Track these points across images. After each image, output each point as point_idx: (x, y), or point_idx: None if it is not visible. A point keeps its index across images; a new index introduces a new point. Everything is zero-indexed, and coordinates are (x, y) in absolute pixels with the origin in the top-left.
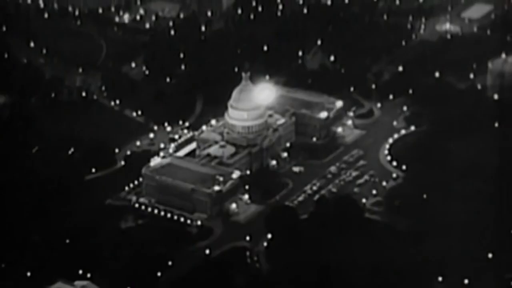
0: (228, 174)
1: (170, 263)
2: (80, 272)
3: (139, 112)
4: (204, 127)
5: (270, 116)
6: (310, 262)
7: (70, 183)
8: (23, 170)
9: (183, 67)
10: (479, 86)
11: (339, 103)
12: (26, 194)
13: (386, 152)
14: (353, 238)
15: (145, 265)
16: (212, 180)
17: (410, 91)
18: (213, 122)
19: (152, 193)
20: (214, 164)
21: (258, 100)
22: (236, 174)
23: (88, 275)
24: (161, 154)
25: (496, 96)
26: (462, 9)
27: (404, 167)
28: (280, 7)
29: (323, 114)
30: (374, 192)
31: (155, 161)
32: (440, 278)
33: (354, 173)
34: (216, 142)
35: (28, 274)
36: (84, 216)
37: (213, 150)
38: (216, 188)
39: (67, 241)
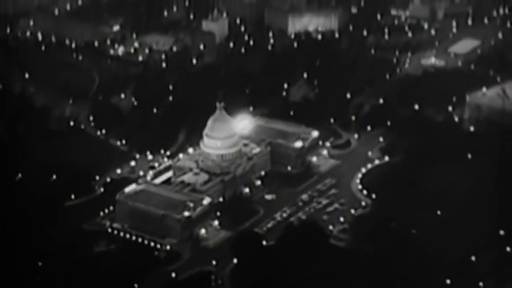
0: (199, 201)
1: (136, 286)
2: None
3: (123, 141)
4: (181, 155)
5: (246, 145)
6: (270, 285)
7: (48, 209)
8: (5, 196)
9: (170, 98)
10: (456, 119)
11: (315, 133)
12: (4, 218)
13: (358, 181)
14: (315, 263)
15: (111, 287)
16: (183, 206)
17: (388, 123)
18: (190, 150)
19: (125, 219)
20: (186, 191)
21: (235, 130)
22: (206, 201)
23: None
24: (139, 181)
25: (472, 128)
26: (450, 44)
27: (373, 195)
28: (272, 41)
29: (298, 144)
30: (342, 219)
31: (129, 188)
32: None
33: (325, 201)
34: (191, 170)
35: None
36: (59, 240)
37: (187, 177)
38: (186, 213)
39: (40, 263)
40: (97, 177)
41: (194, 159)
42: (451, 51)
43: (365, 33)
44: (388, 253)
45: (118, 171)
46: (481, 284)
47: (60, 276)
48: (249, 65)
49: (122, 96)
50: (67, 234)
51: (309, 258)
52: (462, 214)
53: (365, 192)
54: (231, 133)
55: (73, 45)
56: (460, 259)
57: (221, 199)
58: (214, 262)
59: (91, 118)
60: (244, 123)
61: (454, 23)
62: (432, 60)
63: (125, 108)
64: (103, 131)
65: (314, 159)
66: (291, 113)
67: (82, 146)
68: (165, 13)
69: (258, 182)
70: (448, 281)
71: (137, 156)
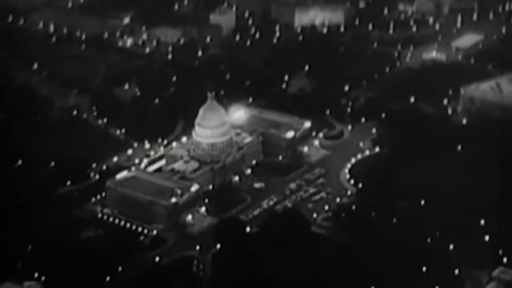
0: (186, 188)
1: (119, 269)
2: (36, 275)
3: (123, 131)
4: (174, 144)
5: (238, 134)
6: (251, 271)
7: (43, 195)
8: (1, 183)
9: (172, 89)
10: (449, 112)
11: (307, 124)
12: None
13: (347, 171)
14: (296, 250)
15: (95, 270)
16: (170, 193)
17: (383, 115)
18: (183, 139)
19: (115, 204)
20: (175, 179)
21: (226, 119)
22: (194, 188)
23: (42, 278)
24: (132, 169)
25: (464, 121)
26: (453, 39)
27: (359, 185)
28: (278, 34)
29: (290, 134)
30: (326, 208)
31: (120, 175)
32: None
33: (312, 190)
34: (182, 158)
35: None
36: (50, 225)
37: (178, 165)
38: (173, 200)
39: (29, 247)
40: (94, 165)
41: (186, 148)
42: (453, 46)
43: (370, 27)
44: (366, 242)
45: (115, 159)
46: (456, 271)
47: (45, 260)
48: (253, 58)
49: (126, 87)
50: (58, 219)
51: (290, 245)
52: (445, 205)
53: (352, 182)
54: (222, 122)
55: (83, 38)
56: (438, 248)
57: (210, 187)
58: (197, 248)
59: (93, 108)
60: (238, 114)
61: (459, 18)
62: (433, 54)
63: (127, 98)
64: (104, 120)
65: (305, 149)
66: (288, 104)
67: (82, 135)
68: (176, 7)
69: (248, 171)
70: (424, 269)
71: (135, 145)
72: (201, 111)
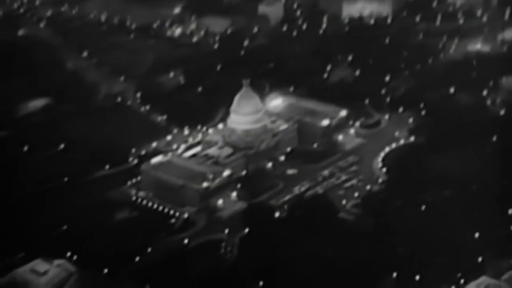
0: (219, 173)
1: (149, 250)
2: (68, 254)
3: (164, 117)
4: (210, 130)
5: (273, 122)
6: (276, 255)
7: (81, 178)
8: (43, 165)
9: (216, 78)
10: (488, 102)
11: (343, 113)
12: (38, 187)
13: (380, 159)
14: (321, 236)
15: (125, 250)
16: (202, 177)
17: (421, 105)
18: (220, 126)
19: (149, 188)
20: (209, 164)
21: (261, 106)
22: (226, 173)
23: (74, 257)
24: (169, 154)
25: (502, 112)
26: (499, 31)
27: (390, 173)
28: (324, 25)
29: (325, 122)
30: (356, 195)
31: (155, 159)
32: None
33: (344, 177)
34: (216, 144)
35: (22, 254)
36: (86, 206)
37: (212, 151)
38: (205, 184)
39: (64, 227)
40: (133, 150)
41: (221, 134)
42: (499, 38)
43: (418, 19)
44: (391, 229)
45: (154, 144)
46: (479, 259)
47: (78, 240)
48: (298, 48)
49: (171, 75)
50: (93, 201)
51: (316, 230)
52: (474, 195)
53: (384, 170)
54: (256, 109)
55: (133, 27)
56: (463, 237)
57: (243, 173)
58: (226, 231)
59: (137, 95)
60: (276, 102)
61: (507, 11)
62: (478, 46)
63: (172, 86)
64: (147, 107)
65: (340, 137)
66: (328, 93)
67: (124, 120)
68: None
69: (282, 158)
70: (446, 257)
71: (175, 131)
72: (236, 98)
